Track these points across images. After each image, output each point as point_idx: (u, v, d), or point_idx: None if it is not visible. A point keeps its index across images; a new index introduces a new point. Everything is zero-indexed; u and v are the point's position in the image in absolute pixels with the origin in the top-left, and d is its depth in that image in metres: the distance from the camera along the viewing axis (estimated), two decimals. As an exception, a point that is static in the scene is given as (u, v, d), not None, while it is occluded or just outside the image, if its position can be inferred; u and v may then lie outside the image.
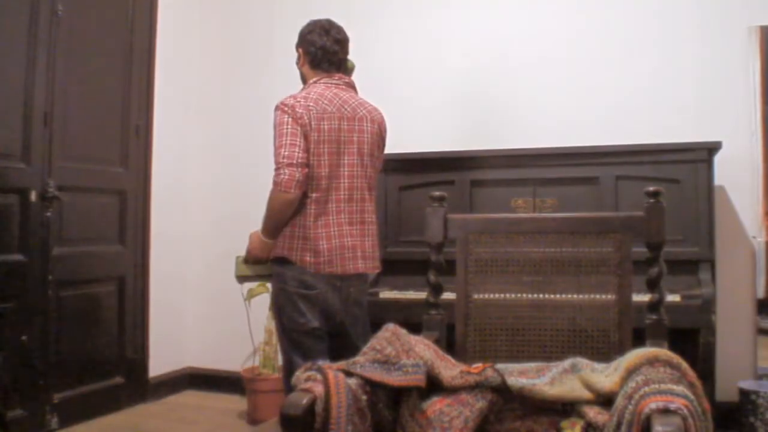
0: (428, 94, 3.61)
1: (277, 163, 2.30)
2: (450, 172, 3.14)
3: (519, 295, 1.88)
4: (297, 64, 2.58)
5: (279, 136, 2.32)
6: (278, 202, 2.31)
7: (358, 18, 3.75)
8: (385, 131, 2.55)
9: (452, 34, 3.59)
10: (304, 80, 2.55)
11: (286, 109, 2.33)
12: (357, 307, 2.47)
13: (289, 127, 2.31)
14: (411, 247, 3.10)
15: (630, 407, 1.27)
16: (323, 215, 2.34)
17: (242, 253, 2.53)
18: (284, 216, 2.33)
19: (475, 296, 1.90)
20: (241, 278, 2.58)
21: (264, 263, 2.46)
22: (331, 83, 2.45)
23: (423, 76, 3.63)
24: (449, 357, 1.69)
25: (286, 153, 2.28)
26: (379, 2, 3.76)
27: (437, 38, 3.62)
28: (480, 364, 1.61)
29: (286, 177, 2.26)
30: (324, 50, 2.47)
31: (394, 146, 3.19)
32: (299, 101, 2.35)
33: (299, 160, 2.27)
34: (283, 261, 2.36)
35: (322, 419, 1.36)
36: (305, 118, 2.31)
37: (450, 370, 1.62)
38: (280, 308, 2.39)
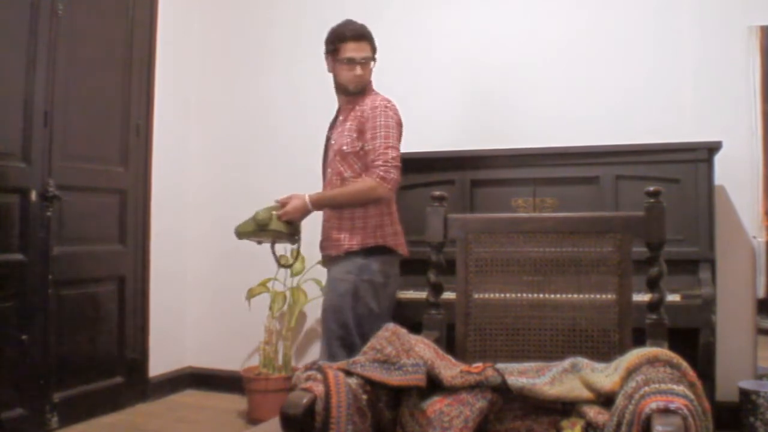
0: (428, 94, 3.60)
1: (385, 160, 2.46)
2: (450, 172, 3.14)
3: (519, 294, 1.88)
4: (371, 67, 2.66)
5: (387, 136, 2.48)
6: (375, 196, 2.48)
7: (354, 18, 3.76)
8: None
9: (451, 34, 3.59)
10: (364, 87, 2.64)
11: (396, 111, 2.57)
12: None
13: (396, 130, 2.53)
14: (411, 246, 3.09)
15: (630, 407, 1.27)
16: (393, 203, 2.64)
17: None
18: (363, 206, 2.52)
19: (476, 296, 1.90)
20: (250, 234, 2.61)
21: (289, 226, 2.56)
22: None
23: (422, 76, 3.63)
24: (449, 357, 1.69)
25: (395, 155, 2.49)
26: (375, 3, 3.75)
27: (436, 38, 3.62)
28: (480, 364, 1.61)
29: (395, 177, 2.48)
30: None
31: (394, 146, 3.20)
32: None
33: (399, 164, 2.51)
34: (375, 250, 2.50)
35: (323, 419, 1.36)
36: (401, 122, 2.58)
37: (450, 369, 1.62)
38: (357, 299, 2.46)
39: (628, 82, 3.25)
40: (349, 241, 2.52)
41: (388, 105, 2.55)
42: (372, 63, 2.63)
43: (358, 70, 2.58)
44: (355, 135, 2.56)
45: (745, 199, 3.07)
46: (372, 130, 2.51)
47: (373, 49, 2.63)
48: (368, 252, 2.49)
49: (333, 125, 2.75)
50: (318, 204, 2.55)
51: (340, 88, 2.66)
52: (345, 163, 2.58)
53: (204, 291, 4.06)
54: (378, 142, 2.47)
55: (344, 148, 2.56)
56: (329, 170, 2.65)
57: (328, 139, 2.73)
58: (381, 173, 2.45)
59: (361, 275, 2.47)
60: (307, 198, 2.54)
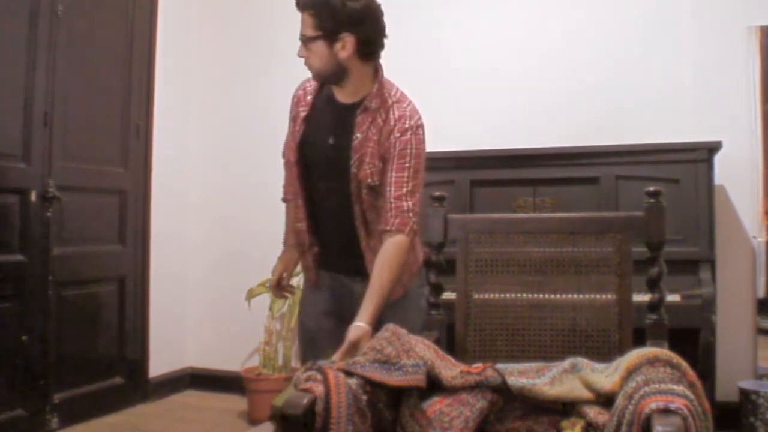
0: (428, 94, 3.59)
1: (414, 211, 1.90)
2: (450, 172, 3.14)
3: (519, 294, 1.88)
4: (322, 49, 1.93)
5: (418, 171, 1.94)
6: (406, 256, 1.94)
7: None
8: None
9: (449, 35, 3.59)
10: (317, 76, 2.02)
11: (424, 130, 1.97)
12: None
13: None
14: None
15: (630, 407, 1.27)
16: None
17: None
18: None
19: (476, 296, 1.90)
20: None
21: None
22: None
23: (422, 77, 3.62)
24: (449, 357, 1.69)
25: (419, 197, 1.94)
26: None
27: (436, 38, 3.62)
28: (480, 364, 1.61)
29: (417, 228, 1.93)
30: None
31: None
32: None
33: None
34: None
35: (323, 419, 1.36)
36: None
37: (450, 370, 1.61)
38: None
39: (627, 82, 3.25)
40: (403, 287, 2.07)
41: (420, 123, 1.98)
42: (318, 44, 1.90)
43: (300, 52, 1.96)
44: (379, 164, 1.96)
45: (745, 199, 3.07)
46: (400, 160, 1.93)
47: (320, 26, 1.88)
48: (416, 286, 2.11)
49: (341, 128, 2.02)
50: (380, 307, 1.88)
51: None
52: (377, 199, 1.99)
53: (204, 291, 4.06)
54: (406, 177, 1.92)
55: (371, 181, 1.96)
56: (359, 207, 2.00)
57: (338, 149, 2.01)
58: (415, 227, 1.92)
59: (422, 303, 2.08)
60: (366, 327, 1.81)
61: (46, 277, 3.16)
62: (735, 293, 3.03)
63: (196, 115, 4.13)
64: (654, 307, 1.76)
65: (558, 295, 1.84)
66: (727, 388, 2.89)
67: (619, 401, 1.33)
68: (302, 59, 1.97)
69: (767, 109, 3.07)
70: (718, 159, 2.87)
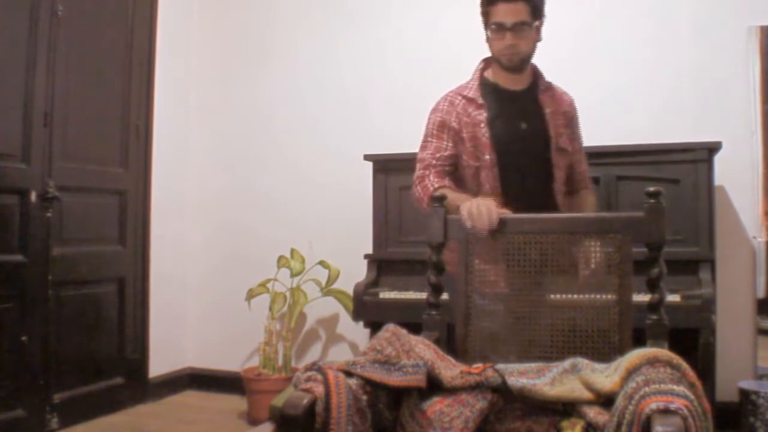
0: (430, 95, 3.60)
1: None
2: (450, 172, 3.13)
3: (519, 295, 1.88)
4: (532, 36, 2.18)
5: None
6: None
7: (343, 18, 3.75)
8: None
9: (454, 35, 3.58)
10: (522, 61, 2.19)
11: None
12: None
13: None
14: (411, 247, 3.10)
15: (630, 407, 1.27)
16: None
17: None
18: None
19: (476, 296, 1.90)
20: None
21: None
22: None
23: (423, 77, 3.63)
24: (449, 357, 1.69)
25: None
26: (373, 3, 3.75)
27: (441, 39, 3.62)
28: (480, 365, 1.61)
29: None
30: None
31: (394, 146, 3.21)
32: None
33: None
34: None
35: (323, 419, 1.36)
36: None
37: (450, 370, 1.61)
38: None
39: (627, 82, 3.25)
40: None
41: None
42: (532, 30, 2.13)
43: (509, 39, 2.10)
44: (568, 131, 2.26)
45: (745, 199, 3.07)
46: (577, 130, 2.31)
47: (535, 14, 2.12)
48: None
49: (528, 111, 2.23)
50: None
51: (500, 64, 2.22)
52: (567, 162, 2.27)
53: (204, 291, 4.06)
54: (582, 149, 2.34)
55: (567, 147, 2.25)
56: (555, 168, 2.21)
57: (533, 130, 2.21)
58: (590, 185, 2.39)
59: None
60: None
61: (46, 277, 3.15)
62: (735, 293, 3.03)
63: (196, 116, 4.13)
64: (654, 307, 1.76)
65: (558, 296, 1.84)
66: (727, 388, 2.89)
67: (620, 401, 1.33)
68: (501, 43, 2.15)
69: (767, 109, 3.07)
70: (718, 159, 2.86)
